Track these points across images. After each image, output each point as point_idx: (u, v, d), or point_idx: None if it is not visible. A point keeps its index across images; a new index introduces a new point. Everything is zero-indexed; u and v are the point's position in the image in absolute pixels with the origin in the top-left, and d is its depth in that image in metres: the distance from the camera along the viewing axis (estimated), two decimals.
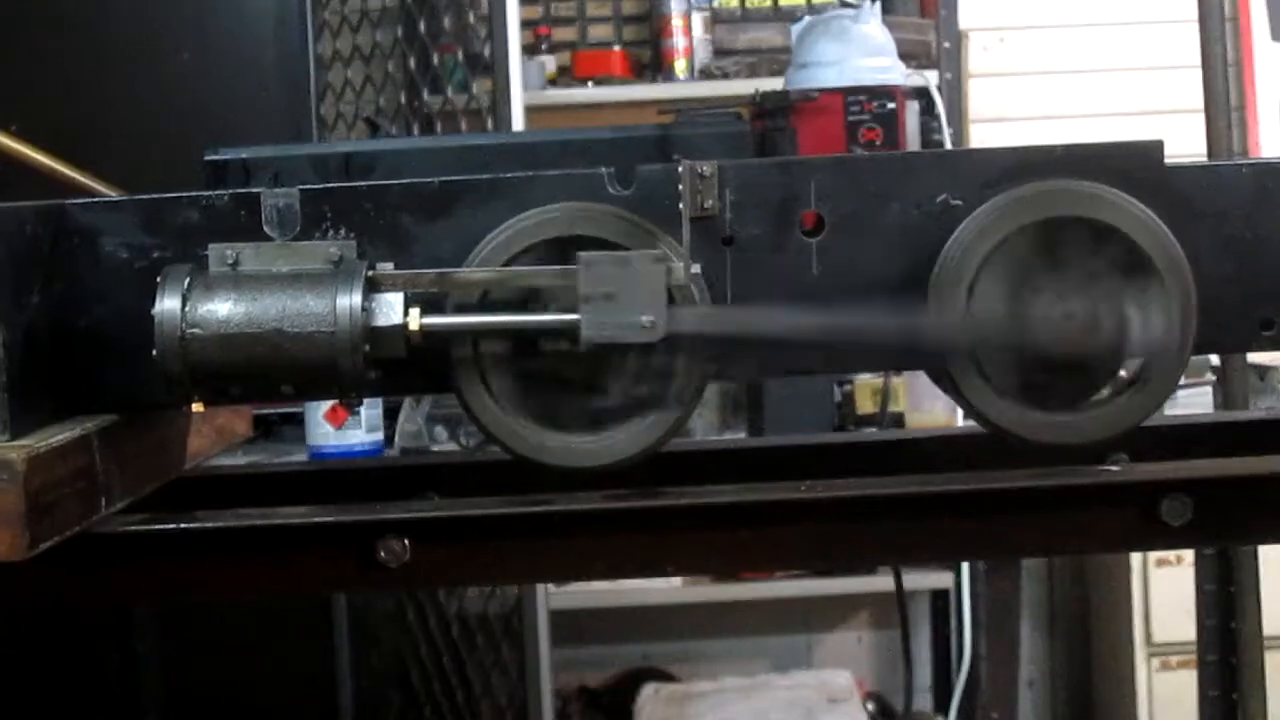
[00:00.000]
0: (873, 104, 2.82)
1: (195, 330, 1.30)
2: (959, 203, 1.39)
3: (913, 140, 2.92)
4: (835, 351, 1.41)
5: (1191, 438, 1.64)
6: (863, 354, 1.43)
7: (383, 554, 1.38)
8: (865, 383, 3.64)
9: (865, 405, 3.62)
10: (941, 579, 4.04)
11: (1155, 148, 1.40)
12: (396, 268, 1.36)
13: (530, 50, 4.18)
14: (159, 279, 1.32)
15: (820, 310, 1.37)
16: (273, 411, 2.72)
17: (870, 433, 3.24)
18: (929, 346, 1.37)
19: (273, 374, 1.32)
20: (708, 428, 3.70)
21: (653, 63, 4.35)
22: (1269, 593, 2.55)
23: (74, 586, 1.40)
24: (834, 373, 3.11)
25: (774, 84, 3.02)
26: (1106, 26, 4.26)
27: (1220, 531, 1.55)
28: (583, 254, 1.33)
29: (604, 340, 1.32)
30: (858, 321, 1.36)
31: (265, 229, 1.38)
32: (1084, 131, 3.93)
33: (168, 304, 1.31)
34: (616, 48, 4.33)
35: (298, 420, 2.56)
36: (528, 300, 1.36)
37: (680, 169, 1.38)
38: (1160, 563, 3.67)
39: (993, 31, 4.27)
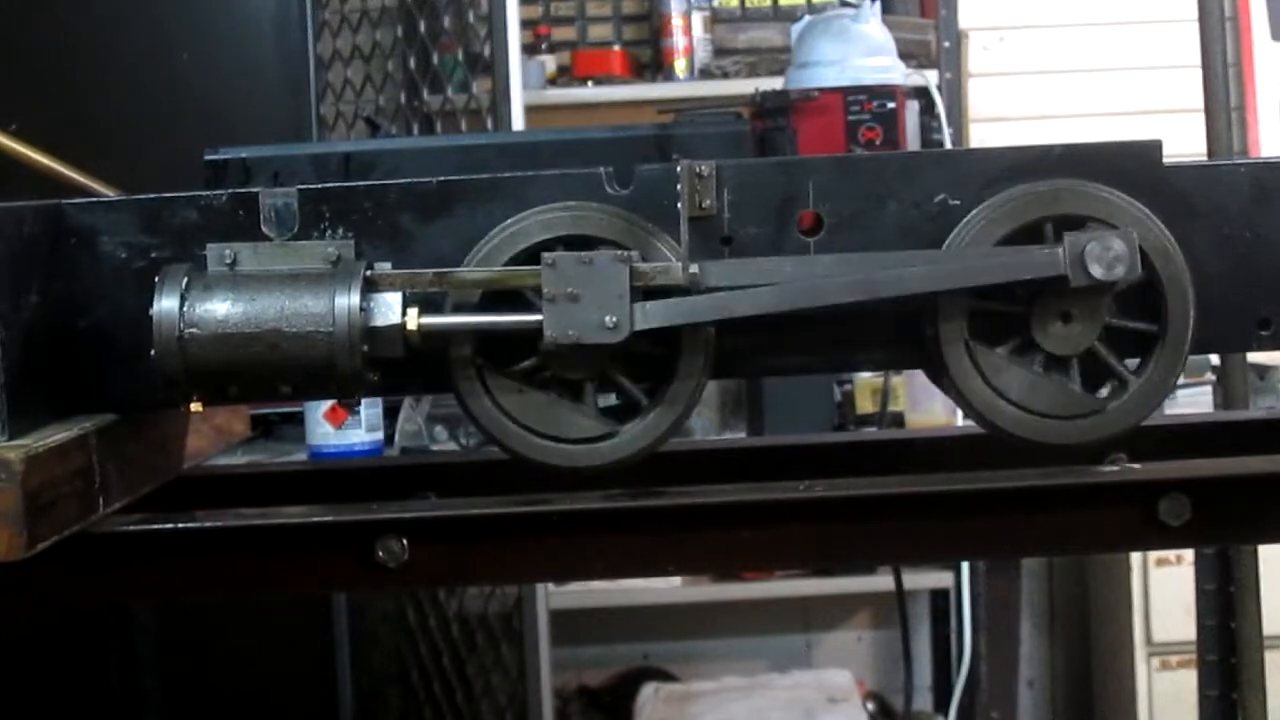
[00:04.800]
0: (873, 104, 2.82)
1: (193, 330, 1.30)
2: (957, 202, 1.39)
3: (913, 140, 2.93)
4: (836, 339, 1.41)
5: (1191, 438, 1.64)
6: (863, 340, 1.42)
7: (381, 554, 1.38)
8: (865, 382, 3.64)
9: (865, 405, 3.63)
10: (941, 579, 4.04)
11: (1154, 147, 1.40)
12: (395, 267, 1.36)
13: (530, 50, 4.18)
14: (157, 279, 1.32)
15: (786, 285, 1.36)
16: (272, 411, 2.72)
17: (870, 433, 3.24)
18: (895, 295, 1.36)
19: (271, 374, 1.31)
20: (708, 427, 3.71)
21: (653, 62, 4.35)
22: (1269, 593, 2.54)
23: (73, 586, 1.39)
24: (835, 371, 3.12)
25: (774, 84, 3.02)
26: (1106, 26, 4.26)
27: (1220, 531, 1.55)
28: (546, 254, 1.33)
29: (567, 341, 1.32)
30: (822, 289, 1.35)
31: (263, 229, 1.38)
32: (1084, 131, 3.93)
33: (166, 304, 1.31)
34: (616, 47, 4.33)
35: (298, 420, 2.56)
36: (526, 300, 1.36)
37: (679, 169, 1.38)
38: (1160, 562, 3.67)
39: (993, 31, 4.27)
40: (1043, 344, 1.38)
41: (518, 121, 3.50)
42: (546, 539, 1.41)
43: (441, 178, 1.40)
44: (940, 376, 1.42)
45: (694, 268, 1.33)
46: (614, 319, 1.32)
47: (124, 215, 1.40)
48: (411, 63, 3.75)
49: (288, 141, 3.03)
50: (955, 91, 4.08)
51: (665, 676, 4.24)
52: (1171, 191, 1.40)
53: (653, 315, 1.33)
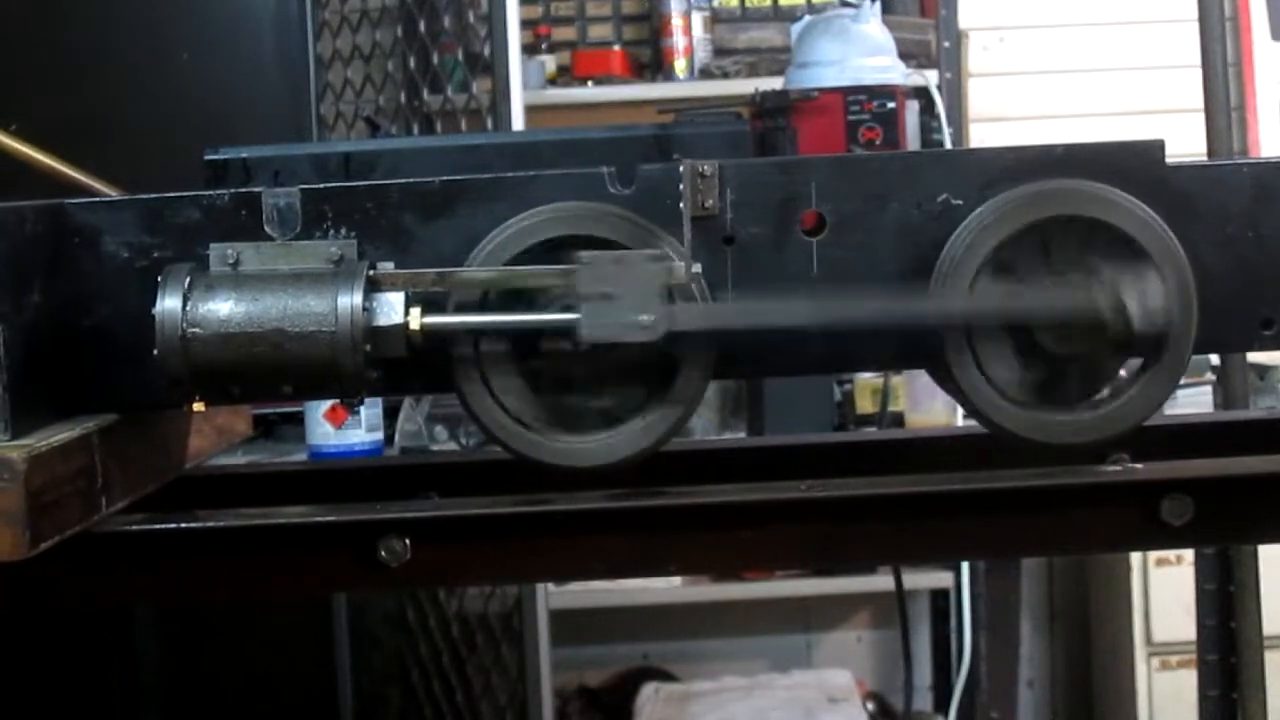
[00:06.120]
0: (873, 104, 2.82)
1: (196, 330, 1.30)
2: (959, 202, 1.39)
3: (913, 140, 2.93)
4: (839, 341, 1.41)
5: (1191, 438, 1.64)
6: (867, 343, 1.42)
7: (383, 553, 1.38)
8: (865, 382, 3.65)
9: (865, 405, 3.63)
10: (941, 579, 4.04)
11: (1156, 147, 1.40)
12: (397, 267, 1.36)
13: (530, 50, 4.18)
14: (160, 278, 1.32)
15: (822, 299, 1.37)
16: (273, 411, 2.72)
17: (870, 433, 3.24)
18: (932, 324, 1.37)
19: (274, 374, 1.31)
20: (708, 427, 3.71)
21: (653, 62, 4.35)
22: (1269, 593, 2.55)
23: (74, 586, 1.39)
24: (837, 371, 3.12)
25: (774, 84, 3.02)
26: (1106, 26, 4.26)
27: (1220, 531, 1.55)
28: (581, 253, 1.33)
29: (604, 339, 1.32)
30: (861, 306, 1.36)
31: (266, 228, 1.38)
32: (1084, 131, 3.93)
33: (169, 303, 1.31)
34: (616, 47, 4.33)
35: (298, 420, 2.56)
36: (529, 300, 1.36)
37: (681, 168, 1.38)
38: (1160, 562, 3.67)
39: (993, 31, 4.27)
40: (1045, 344, 1.38)
41: (518, 121, 3.50)
42: (547, 539, 1.41)
43: (444, 177, 1.40)
44: (944, 376, 1.42)
45: (696, 267, 1.33)
46: (649, 318, 1.32)
47: (126, 215, 1.40)
48: (411, 63, 3.75)
49: (288, 141, 3.03)
50: (955, 91, 4.08)
51: (665, 676, 4.25)
52: (1174, 191, 1.40)
53: (688, 318, 1.33)
